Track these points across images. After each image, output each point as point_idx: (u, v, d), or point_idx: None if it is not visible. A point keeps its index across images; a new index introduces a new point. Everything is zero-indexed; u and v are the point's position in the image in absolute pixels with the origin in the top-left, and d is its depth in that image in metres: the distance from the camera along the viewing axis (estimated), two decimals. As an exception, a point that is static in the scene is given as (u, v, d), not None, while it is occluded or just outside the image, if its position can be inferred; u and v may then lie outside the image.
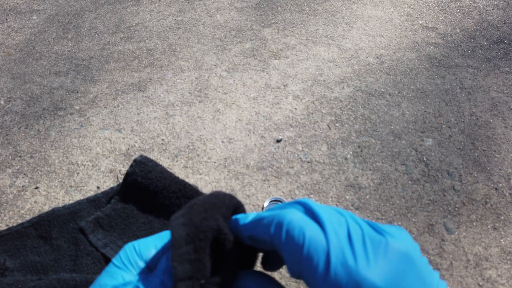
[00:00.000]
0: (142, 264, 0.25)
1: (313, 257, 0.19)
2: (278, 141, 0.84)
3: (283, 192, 0.73)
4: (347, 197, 0.72)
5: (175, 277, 0.22)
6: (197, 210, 0.25)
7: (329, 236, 0.20)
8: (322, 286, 0.19)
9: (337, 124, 0.89)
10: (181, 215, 0.24)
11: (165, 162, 0.80)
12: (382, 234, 0.20)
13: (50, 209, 0.50)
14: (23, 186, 0.75)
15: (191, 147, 0.83)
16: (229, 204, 0.28)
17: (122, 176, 0.76)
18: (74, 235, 0.52)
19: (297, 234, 0.20)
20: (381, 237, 0.20)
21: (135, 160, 0.52)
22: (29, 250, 0.48)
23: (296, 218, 0.21)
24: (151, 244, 0.26)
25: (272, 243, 0.22)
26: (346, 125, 0.88)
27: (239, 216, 0.27)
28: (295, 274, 0.21)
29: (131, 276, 0.25)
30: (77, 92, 1.01)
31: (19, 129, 0.90)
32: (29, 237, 0.50)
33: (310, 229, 0.21)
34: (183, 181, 0.58)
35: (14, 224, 0.69)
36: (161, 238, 0.27)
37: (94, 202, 0.58)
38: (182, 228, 0.23)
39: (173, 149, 0.83)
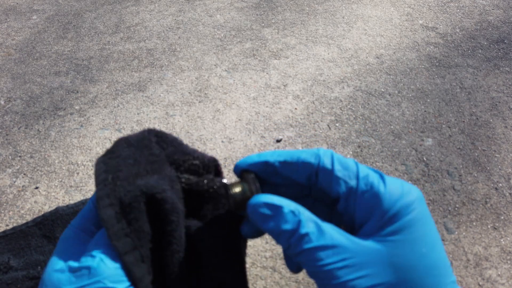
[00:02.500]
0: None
1: (369, 174, 0.22)
2: (278, 141, 0.84)
3: (283, 192, 0.73)
4: (347, 197, 0.73)
5: (120, 254, 0.23)
6: (121, 186, 0.25)
7: (358, 164, 0.24)
8: (384, 191, 0.21)
9: (337, 124, 0.89)
10: (105, 195, 0.25)
11: (165, 162, 0.80)
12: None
13: (54, 208, 0.51)
14: (23, 186, 0.75)
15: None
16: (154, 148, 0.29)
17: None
18: None
19: (347, 160, 0.23)
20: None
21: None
22: (33, 250, 0.48)
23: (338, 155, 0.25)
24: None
25: (317, 167, 0.23)
26: (346, 125, 0.88)
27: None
28: (345, 194, 0.23)
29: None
30: (77, 92, 1.01)
31: (19, 129, 0.90)
32: (33, 237, 0.50)
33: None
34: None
35: (15, 224, 0.69)
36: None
37: None
38: (109, 209, 0.24)
39: (173, 149, 0.83)
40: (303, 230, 0.20)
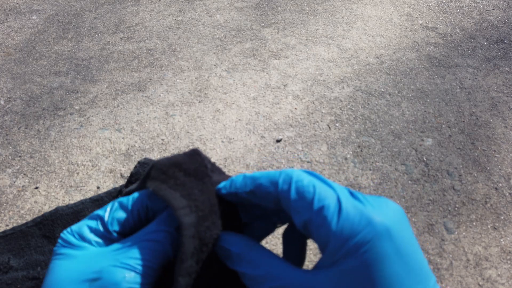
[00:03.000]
0: (95, 238, 0.25)
1: (324, 204, 0.21)
2: (278, 141, 0.84)
3: (283, 192, 0.73)
4: (347, 197, 0.73)
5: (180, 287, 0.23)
6: (203, 218, 0.25)
7: (335, 188, 0.22)
8: (334, 228, 0.20)
9: (337, 124, 0.89)
10: (193, 224, 0.24)
11: (165, 162, 0.80)
12: (379, 197, 0.23)
13: (54, 208, 0.51)
14: (23, 186, 0.76)
15: (191, 147, 0.83)
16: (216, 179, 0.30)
17: (123, 177, 0.76)
18: None
19: (306, 185, 0.22)
20: (379, 197, 0.22)
21: (139, 162, 0.52)
22: (33, 250, 0.48)
23: (303, 174, 0.23)
24: (84, 225, 0.26)
25: (277, 196, 0.23)
26: (346, 125, 0.88)
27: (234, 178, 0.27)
28: (303, 224, 0.22)
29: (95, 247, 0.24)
30: (77, 92, 1.01)
31: (19, 129, 0.90)
32: (33, 237, 0.51)
33: (318, 181, 0.22)
34: None
35: (15, 224, 0.69)
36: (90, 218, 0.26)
37: (97, 201, 0.58)
38: (191, 241, 0.24)
39: (173, 149, 0.83)
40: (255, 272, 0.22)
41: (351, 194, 0.22)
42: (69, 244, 0.24)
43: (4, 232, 0.51)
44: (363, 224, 0.19)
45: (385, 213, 0.20)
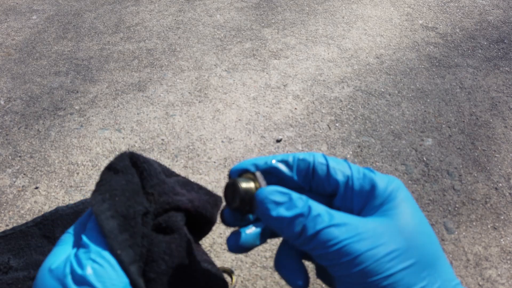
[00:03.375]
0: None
1: (337, 173, 0.25)
2: (278, 141, 0.84)
3: (283, 192, 0.73)
4: (347, 197, 0.73)
5: (124, 263, 0.25)
6: (120, 201, 0.27)
7: (348, 163, 0.26)
8: (345, 192, 0.24)
9: (337, 124, 0.89)
10: (106, 208, 0.27)
11: (165, 162, 0.80)
12: None
13: (54, 208, 0.51)
14: (23, 186, 0.76)
15: (191, 147, 0.83)
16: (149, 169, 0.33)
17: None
18: None
19: (341, 161, 0.26)
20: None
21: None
22: (33, 250, 0.48)
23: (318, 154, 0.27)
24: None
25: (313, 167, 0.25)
26: (346, 125, 0.88)
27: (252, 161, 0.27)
28: (343, 187, 0.25)
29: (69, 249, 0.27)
30: (77, 92, 1.01)
31: (19, 129, 0.90)
32: (33, 237, 0.50)
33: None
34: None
35: (15, 224, 0.69)
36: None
37: None
38: (111, 220, 0.26)
39: (173, 149, 0.83)
40: (315, 212, 0.21)
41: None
42: None
43: (4, 232, 0.51)
44: (390, 177, 0.24)
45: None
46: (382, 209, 0.22)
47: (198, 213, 0.33)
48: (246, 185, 0.24)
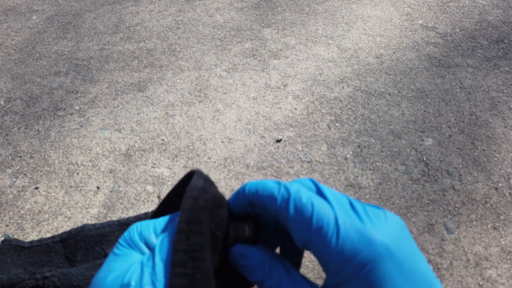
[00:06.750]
0: (143, 245, 0.25)
1: (323, 224, 0.21)
2: (278, 141, 0.84)
3: (283, 192, 0.73)
4: (347, 197, 0.73)
5: None
6: (199, 259, 0.24)
7: (334, 205, 0.22)
8: (334, 249, 0.20)
9: (337, 124, 0.89)
10: (181, 262, 0.24)
11: (165, 162, 0.80)
12: (379, 208, 0.23)
13: (81, 225, 0.50)
14: (23, 186, 0.75)
15: (191, 147, 0.83)
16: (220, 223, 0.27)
17: (123, 177, 0.76)
18: (98, 262, 0.51)
19: (305, 204, 0.22)
20: (378, 209, 0.22)
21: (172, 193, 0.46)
22: (53, 268, 0.47)
23: (302, 191, 0.23)
24: (151, 226, 0.26)
25: (276, 213, 0.23)
26: (346, 125, 0.88)
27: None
28: (302, 243, 0.22)
29: (138, 256, 0.24)
30: (77, 92, 1.01)
31: (19, 129, 0.90)
32: (56, 254, 0.50)
33: (316, 200, 0.22)
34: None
35: (15, 224, 0.69)
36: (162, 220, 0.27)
37: (125, 225, 0.57)
38: (182, 279, 0.23)
39: (173, 149, 0.83)
40: (269, 283, 0.22)
41: (351, 205, 0.22)
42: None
43: (30, 242, 0.50)
44: (363, 245, 0.19)
45: (385, 229, 0.20)
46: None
47: None
48: (238, 230, 0.26)
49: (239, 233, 0.25)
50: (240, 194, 0.25)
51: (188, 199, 0.25)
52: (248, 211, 0.25)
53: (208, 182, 0.27)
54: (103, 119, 0.91)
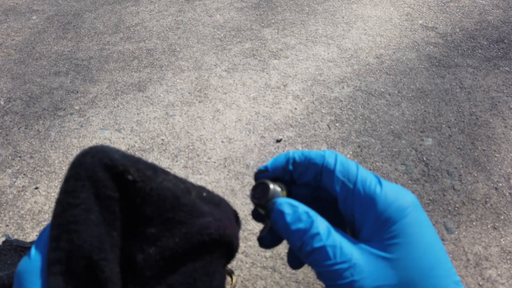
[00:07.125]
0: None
1: (367, 177, 0.24)
2: (278, 141, 0.84)
3: (283, 192, 0.73)
4: (347, 197, 0.73)
5: None
6: (75, 257, 0.22)
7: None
8: (379, 195, 0.23)
9: (337, 124, 0.89)
10: (57, 260, 0.22)
11: (165, 162, 0.80)
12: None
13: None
14: (23, 186, 0.76)
15: (191, 147, 0.83)
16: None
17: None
18: None
19: (350, 162, 0.25)
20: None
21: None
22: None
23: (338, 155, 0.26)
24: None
25: (321, 168, 0.25)
26: (346, 125, 0.88)
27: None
28: (343, 197, 0.24)
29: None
30: (77, 92, 1.01)
31: (19, 129, 0.90)
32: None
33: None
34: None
35: (15, 224, 0.69)
36: None
37: None
38: (59, 278, 0.22)
39: (173, 149, 0.83)
40: (315, 230, 0.22)
41: (378, 179, 0.25)
42: None
43: (31, 243, 0.48)
44: (401, 194, 0.22)
45: (410, 194, 0.24)
46: (381, 236, 0.22)
47: (226, 242, 0.26)
48: (276, 188, 0.26)
49: (275, 193, 0.26)
50: (284, 155, 0.27)
51: (70, 169, 0.24)
52: (285, 174, 0.27)
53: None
54: (103, 119, 0.91)
